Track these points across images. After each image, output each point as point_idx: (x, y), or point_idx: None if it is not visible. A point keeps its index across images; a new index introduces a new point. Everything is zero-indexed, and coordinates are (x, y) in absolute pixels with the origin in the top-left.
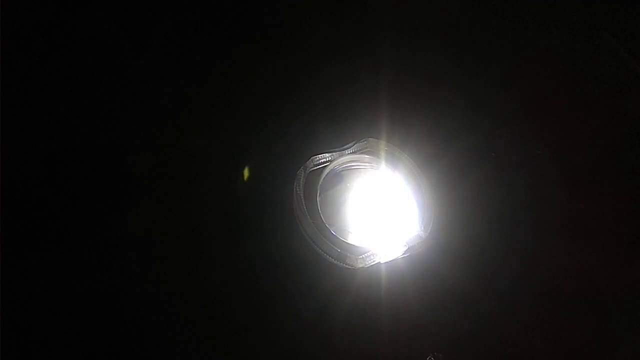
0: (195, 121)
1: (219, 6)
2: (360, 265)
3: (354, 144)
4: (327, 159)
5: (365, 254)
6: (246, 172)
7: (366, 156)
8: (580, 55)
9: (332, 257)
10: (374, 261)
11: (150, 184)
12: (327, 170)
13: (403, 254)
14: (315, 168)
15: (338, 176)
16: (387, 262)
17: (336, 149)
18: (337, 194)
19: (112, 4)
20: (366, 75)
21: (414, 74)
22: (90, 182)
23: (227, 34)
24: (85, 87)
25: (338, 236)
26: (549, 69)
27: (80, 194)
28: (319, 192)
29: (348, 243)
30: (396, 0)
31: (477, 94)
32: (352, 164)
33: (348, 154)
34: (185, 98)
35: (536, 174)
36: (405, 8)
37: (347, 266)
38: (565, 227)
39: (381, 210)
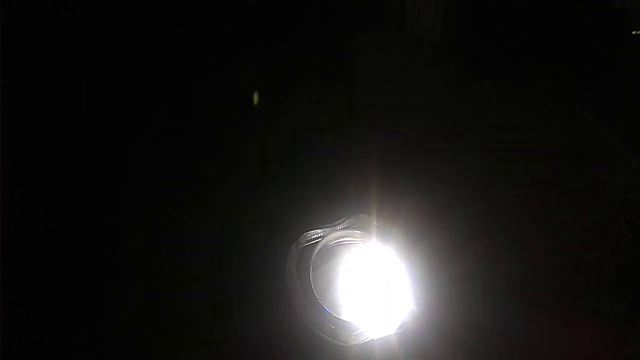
0: (188, 200)
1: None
2: (354, 342)
3: (345, 220)
4: (319, 235)
5: (358, 331)
6: (239, 249)
7: (357, 232)
8: (561, 131)
9: (325, 334)
10: (367, 338)
11: (142, 265)
12: (319, 246)
13: (396, 330)
14: (308, 244)
15: (330, 252)
16: (380, 338)
17: (328, 225)
18: (329, 269)
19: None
20: (357, 153)
21: (404, 152)
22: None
23: (218, 115)
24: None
25: (331, 312)
26: (534, 145)
27: (73, 277)
28: (311, 268)
29: (341, 319)
30: (384, 82)
31: (466, 170)
32: (344, 239)
33: (340, 229)
34: (180, 178)
35: (526, 249)
36: (394, 89)
37: (340, 343)
38: (557, 303)
39: (373, 286)
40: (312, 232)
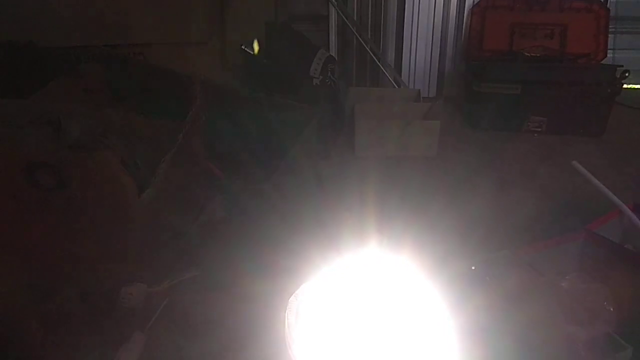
0: (187, 254)
1: None
2: None
3: (344, 267)
4: (319, 285)
5: None
6: (238, 299)
7: (357, 280)
8: (559, 182)
9: None
10: None
11: (142, 316)
12: (318, 296)
13: None
14: (307, 293)
15: (330, 300)
16: None
17: (326, 273)
18: (329, 320)
19: None
20: (356, 202)
21: (400, 203)
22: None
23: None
24: None
25: None
26: (531, 193)
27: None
28: (310, 318)
29: None
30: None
31: (464, 221)
32: (344, 288)
33: (338, 276)
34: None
35: (528, 300)
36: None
37: None
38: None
39: (373, 338)
40: (311, 280)
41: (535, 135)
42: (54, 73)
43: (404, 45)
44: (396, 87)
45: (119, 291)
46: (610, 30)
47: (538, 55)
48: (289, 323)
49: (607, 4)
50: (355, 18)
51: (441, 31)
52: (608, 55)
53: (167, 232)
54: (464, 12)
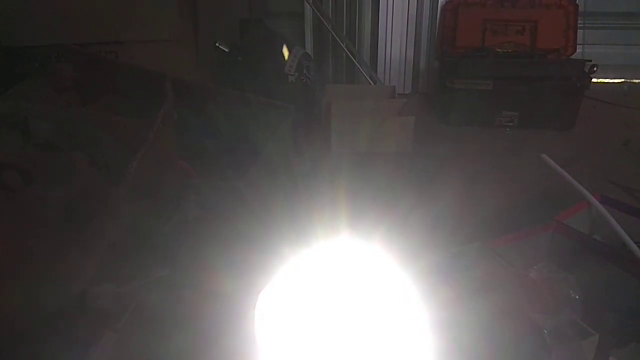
0: (159, 253)
1: None
2: None
3: (315, 260)
4: (288, 277)
5: None
6: (207, 298)
7: (327, 271)
8: (529, 174)
9: None
10: None
11: (112, 316)
12: (288, 289)
13: None
14: (277, 288)
15: (299, 294)
16: None
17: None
18: (298, 316)
19: None
20: (329, 198)
21: (372, 197)
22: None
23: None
24: None
25: None
26: (502, 186)
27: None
28: (281, 314)
29: None
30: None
31: (436, 214)
32: (314, 279)
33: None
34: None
35: (495, 291)
36: (367, 136)
37: None
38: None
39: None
40: (280, 274)
41: (507, 129)
42: (23, 73)
43: (379, 43)
44: (372, 83)
45: (87, 292)
46: (579, 25)
47: (509, 51)
48: (257, 319)
49: (576, 0)
50: (330, 15)
51: (415, 28)
52: (577, 50)
53: (139, 232)
54: (437, 9)
